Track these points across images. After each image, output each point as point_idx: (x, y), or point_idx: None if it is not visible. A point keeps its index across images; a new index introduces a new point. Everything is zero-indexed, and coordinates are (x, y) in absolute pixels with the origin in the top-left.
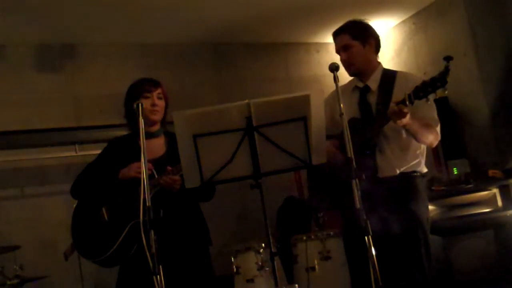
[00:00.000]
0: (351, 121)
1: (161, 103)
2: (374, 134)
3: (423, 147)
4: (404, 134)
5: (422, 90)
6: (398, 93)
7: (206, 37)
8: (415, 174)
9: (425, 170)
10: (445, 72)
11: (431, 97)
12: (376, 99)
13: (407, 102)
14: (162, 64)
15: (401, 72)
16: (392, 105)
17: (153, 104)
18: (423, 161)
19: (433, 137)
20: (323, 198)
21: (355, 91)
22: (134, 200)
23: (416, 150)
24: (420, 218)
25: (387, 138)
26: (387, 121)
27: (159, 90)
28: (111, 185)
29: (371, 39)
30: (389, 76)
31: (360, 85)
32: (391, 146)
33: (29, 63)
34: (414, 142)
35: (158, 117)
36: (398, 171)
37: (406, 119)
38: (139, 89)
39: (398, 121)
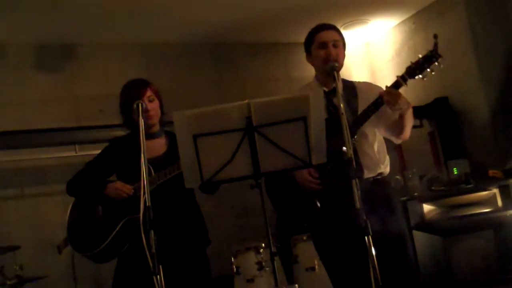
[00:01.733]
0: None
1: (154, 105)
2: (359, 125)
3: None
4: (376, 135)
5: (418, 68)
6: (364, 98)
7: (206, 37)
8: (385, 175)
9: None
10: (435, 48)
11: (427, 74)
12: (345, 101)
13: (402, 83)
14: (162, 64)
15: (357, 81)
16: (386, 88)
17: (146, 110)
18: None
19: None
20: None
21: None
22: (131, 196)
23: (385, 150)
24: (402, 217)
25: (366, 138)
26: (378, 107)
27: (148, 93)
28: (96, 188)
29: (345, 50)
30: (349, 83)
31: (325, 89)
32: (371, 146)
33: (29, 63)
34: (383, 142)
35: (154, 120)
36: (378, 171)
37: (403, 101)
38: (130, 95)
39: (395, 104)
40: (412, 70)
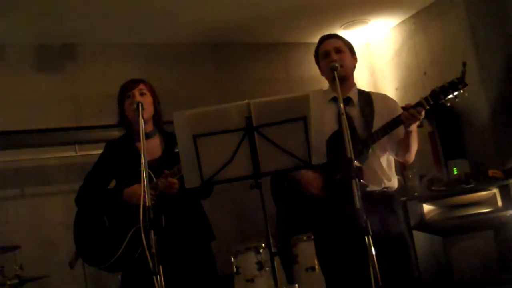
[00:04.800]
0: (333, 136)
1: (144, 99)
2: (372, 143)
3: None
4: (386, 151)
5: (442, 92)
6: (380, 111)
7: (206, 37)
8: (391, 190)
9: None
10: (463, 75)
11: (450, 100)
12: (359, 112)
13: (425, 105)
14: (162, 64)
15: (373, 92)
16: (409, 109)
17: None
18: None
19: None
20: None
21: (332, 103)
22: (135, 205)
23: (393, 167)
24: (402, 220)
25: (374, 152)
26: (397, 125)
27: (140, 86)
28: (113, 197)
29: (355, 55)
30: (365, 94)
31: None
32: (378, 161)
33: (29, 63)
34: (391, 158)
35: (144, 114)
36: (383, 186)
37: (416, 124)
38: (122, 90)
39: (410, 126)
40: (437, 94)
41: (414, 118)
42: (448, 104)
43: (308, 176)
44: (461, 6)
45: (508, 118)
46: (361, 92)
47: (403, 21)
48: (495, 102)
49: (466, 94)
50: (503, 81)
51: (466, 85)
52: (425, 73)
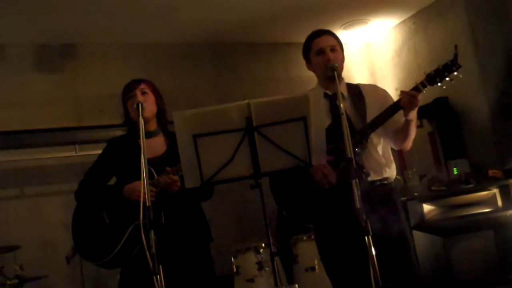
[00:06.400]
0: (329, 129)
1: (146, 98)
2: (374, 128)
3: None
4: (381, 138)
5: (438, 75)
6: (371, 101)
7: (206, 37)
8: (391, 180)
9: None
10: (455, 57)
11: (445, 83)
12: (351, 104)
13: (422, 89)
14: (162, 64)
15: (361, 84)
16: (404, 94)
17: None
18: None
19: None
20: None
21: (323, 99)
22: (135, 202)
23: (390, 154)
24: (404, 220)
25: (371, 140)
26: (396, 111)
27: (142, 86)
28: (113, 193)
29: (343, 52)
30: (354, 86)
31: (329, 92)
32: (376, 149)
33: (29, 63)
34: (388, 147)
35: (146, 113)
36: (384, 175)
37: (415, 110)
38: (124, 92)
39: (410, 111)
40: (432, 77)
41: (411, 103)
42: (444, 87)
43: (323, 169)
44: (461, 6)
45: (508, 118)
46: (350, 85)
47: (403, 21)
48: (495, 102)
49: (461, 76)
50: (503, 81)
51: (460, 66)
52: (425, 73)
